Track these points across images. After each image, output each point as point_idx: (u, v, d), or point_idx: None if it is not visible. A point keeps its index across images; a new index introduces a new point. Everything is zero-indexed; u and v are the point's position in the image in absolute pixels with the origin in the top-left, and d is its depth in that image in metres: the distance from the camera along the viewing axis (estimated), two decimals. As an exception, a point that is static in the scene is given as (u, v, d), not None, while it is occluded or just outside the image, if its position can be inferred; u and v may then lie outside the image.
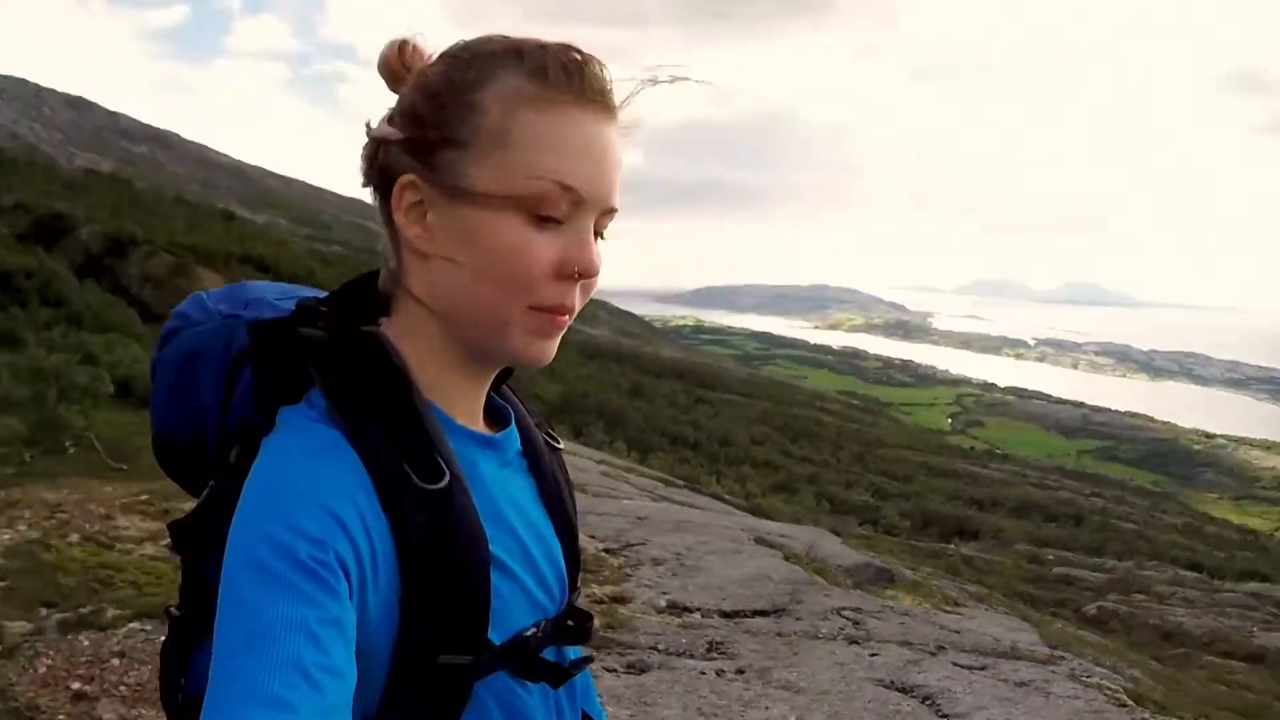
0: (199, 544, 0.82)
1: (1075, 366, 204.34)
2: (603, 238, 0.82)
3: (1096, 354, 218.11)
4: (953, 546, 22.74)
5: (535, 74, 0.76)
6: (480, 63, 0.78)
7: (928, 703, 4.12)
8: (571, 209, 0.77)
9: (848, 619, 5.30)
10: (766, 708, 3.85)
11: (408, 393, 0.79)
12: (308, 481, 0.71)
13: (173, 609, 0.88)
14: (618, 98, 0.80)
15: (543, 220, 0.77)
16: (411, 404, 0.79)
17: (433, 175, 0.77)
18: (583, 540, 1.00)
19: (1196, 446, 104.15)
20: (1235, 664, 15.34)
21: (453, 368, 0.83)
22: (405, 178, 0.78)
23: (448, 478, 0.76)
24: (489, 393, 0.90)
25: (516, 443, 0.92)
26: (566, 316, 0.80)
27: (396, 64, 0.81)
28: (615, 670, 4.09)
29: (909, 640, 4.99)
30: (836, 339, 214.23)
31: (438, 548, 0.74)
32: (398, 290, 0.83)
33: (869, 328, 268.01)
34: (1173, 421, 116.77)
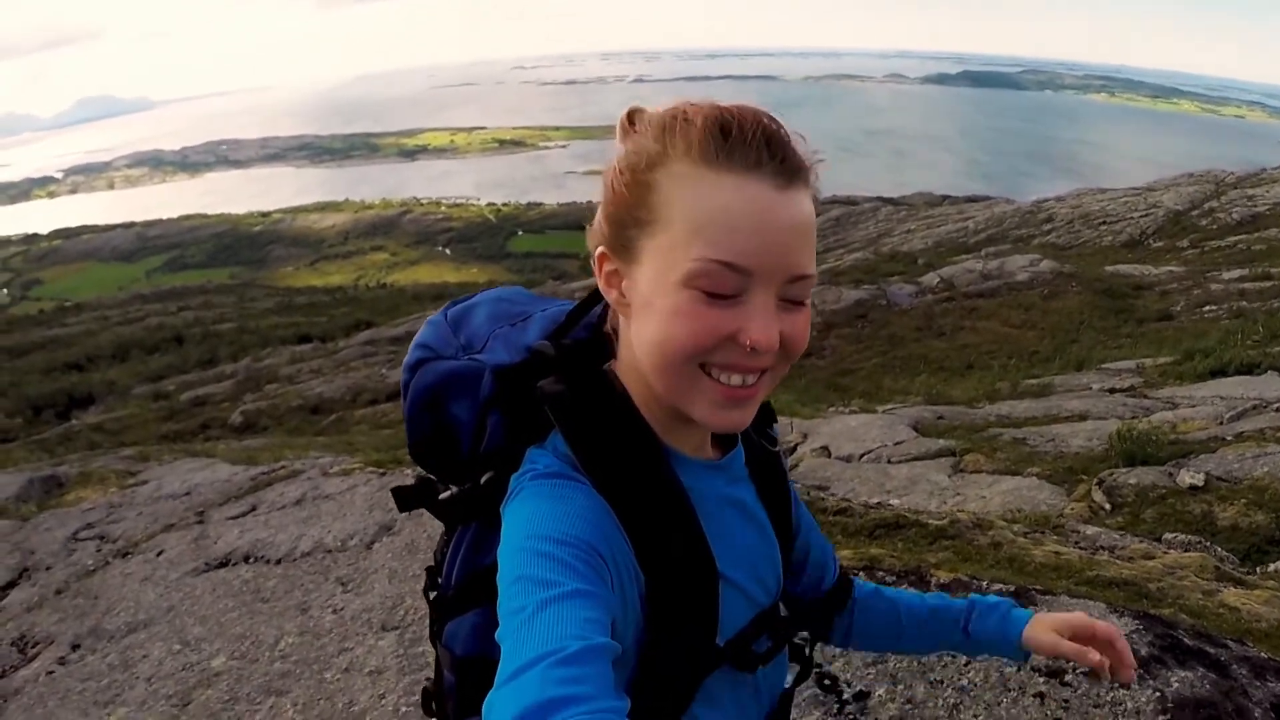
0: (455, 520, 0.96)
1: (112, 187, 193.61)
2: (804, 304, 0.82)
3: (130, 167, 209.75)
4: (76, 421, 21.50)
5: (697, 147, 0.77)
6: (661, 137, 0.80)
7: (251, 561, 4.29)
8: (743, 282, 0.77)
9: (91, 537, 5.04)
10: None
11: (642, 437, 0.86)
12: (562, 516, 0.78)
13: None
14: (793, 162, 0.79)
15: (713, 296, 0.77)
16: (646, 446, 0.86)
17: (620, 249, 0.83)
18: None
19: (257, 229, 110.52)
20: (385, 406, 17.86)
21: (669, 414, 0.88)
22: (600, 250, 0.85)
23: (683, 511, 0.85)
24: None
25: (741, 458, 1.00)
26: (752, 388, 0.82)
27: (624, 130, 0.84)
28: None
29: (192, 519, 5.07)
30: None
31: (675, 575, 0.83)
32: (620, 335, 0.90)
33: None
34: (226, 212, 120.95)
